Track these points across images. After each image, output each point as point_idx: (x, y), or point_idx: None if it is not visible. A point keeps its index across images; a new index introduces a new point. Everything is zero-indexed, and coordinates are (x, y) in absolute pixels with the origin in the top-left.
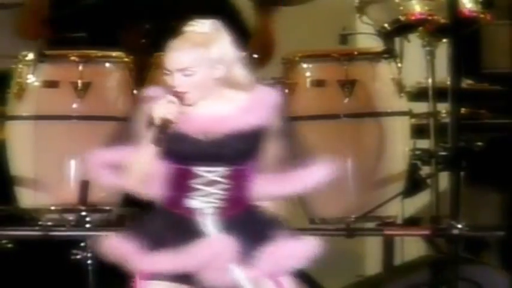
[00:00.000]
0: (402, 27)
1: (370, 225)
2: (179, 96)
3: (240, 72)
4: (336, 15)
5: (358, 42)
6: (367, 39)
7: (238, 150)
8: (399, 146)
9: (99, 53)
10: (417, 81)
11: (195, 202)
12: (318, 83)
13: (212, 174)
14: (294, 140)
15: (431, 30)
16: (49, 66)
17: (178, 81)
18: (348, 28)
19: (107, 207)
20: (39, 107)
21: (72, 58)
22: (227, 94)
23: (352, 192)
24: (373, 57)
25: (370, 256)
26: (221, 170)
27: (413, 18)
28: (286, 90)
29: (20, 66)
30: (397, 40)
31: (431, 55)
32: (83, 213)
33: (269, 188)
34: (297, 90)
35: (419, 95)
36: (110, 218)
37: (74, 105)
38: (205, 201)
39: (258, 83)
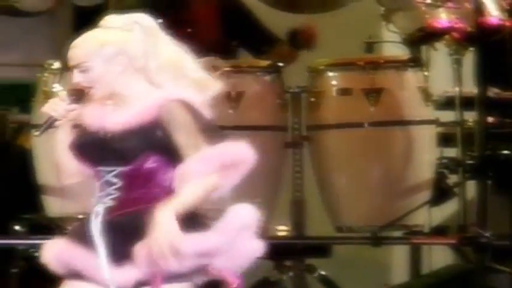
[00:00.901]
0: (428, 36)
1: (397, 233)
2: (77, 92)
3: (155, 66)
4: (362, 23)
5: (384, 51)
6: (393, 48)
7: (122, 150)
8: (426, 154)
9: None
10: (444, 90)
11: (96, 202)
12: (344, 92)
13: (109, 174)
14: (205, 139)
15: (458, 39)
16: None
17: (76, 77)
18: (374, 36)
19: None
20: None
21: None
22: (134, 90)
23: (379, 200)
24: (399, 65)
25: (397, 265)
26: (114, 169)
27: (439, 26)
28: (313, 99)
29: (46, 74)
30: (423, 48)
31: (458, 64)
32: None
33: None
34: (323, 98)
35: (446, 103)
36: None
37: None
38: (101, 201)
39: (196, 79)
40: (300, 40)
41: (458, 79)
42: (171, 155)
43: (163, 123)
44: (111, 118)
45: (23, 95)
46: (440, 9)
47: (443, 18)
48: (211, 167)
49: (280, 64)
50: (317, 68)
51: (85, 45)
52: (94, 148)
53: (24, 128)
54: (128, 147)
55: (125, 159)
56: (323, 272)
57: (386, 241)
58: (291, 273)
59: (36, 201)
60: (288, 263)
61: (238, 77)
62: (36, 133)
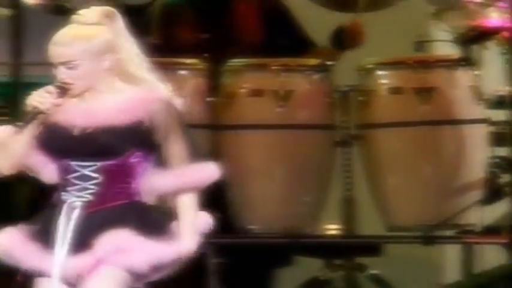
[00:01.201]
0: (480, 35)
1: (449, 233)
2: (62, 87)
3: (132, 62)
4: (413, 22)
5: (435, 50)
6: (444, 47)
7: (105, 146)
8: (477, 153)
9: (173, 61)
10: (496, 89)
11: (69, 195)
12: (395, 91)
13: (86, 169)
14: (186, 138)
15: (509, 38)
16: None
17: (62, 74)
18: (425, 35)
19: None
20: None
21: None
22: (116, 86)
23: (431, 200)
24: (450, 64)
25: (449, 264)
26: (92, 164)
27: (490, 25)
28: (362, 98)
29: None
30: (475, 47)
31: (510, 63)
32: None
33: (159, 184)
34: (374, 97)
35: (497, 102)
36: None
37: None
38: (78, 195)
39: (152, 79)
40: (345, 38)
41: (510, 78)
42: (151, 151)
43: (148, 121)
44: (94, 114)
45: None
46: (492, 9)
47: (494, 17)
48: (192, 185)
49: (329, 63)
50: (367, 67)
51: (73, 43)
52: (68, 142)
53: None
54: (113, 143)
55: (107, 154)
56: (374, 271)
57: (438, 240)
58: (341, 272)
59: None
60: (338, 262)
61: (287, 76)
62: (20, 124)
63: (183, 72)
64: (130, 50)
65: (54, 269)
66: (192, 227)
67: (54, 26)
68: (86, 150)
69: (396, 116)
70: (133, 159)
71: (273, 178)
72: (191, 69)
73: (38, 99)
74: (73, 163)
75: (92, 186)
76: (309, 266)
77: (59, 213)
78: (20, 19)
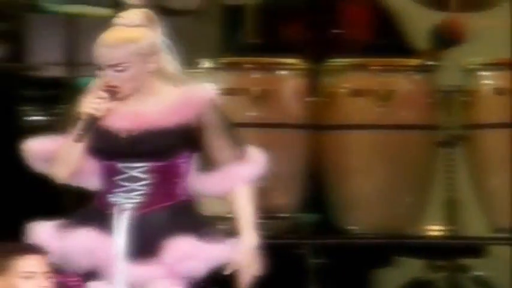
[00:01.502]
0: None
1: None
2: (111, 91)
3: (170, 63)
4: None
5: None
6: None
7: (157, 147)
8: None
9: (273, 60)
10: None
11: (117, 197)
12: (500, 91)
13: (133, 170)
14: (232, 136)
15: None
16: (225, 74)
17: (110, 76)
18: None
19: (285, 215)
20: None
21: (247, 66)
22: (158, 88)
23: None
24: None
25: None
26: (142, 166)
27: None
28: (466, 98)
29: (196, 74)
30: None
31: None
32: (260, 221)
33: (208, 185)
34: (478, 98)
35: None
36: (286, 225)
37: (250, 113)
38: (126, 197)
39: (191, 79)
40: (445, 37)
41: None
42: (197, 151)
43: (195, 121)
44: (142, 116)
45: None
46: None
47: None
48: (246, 179)
49: (431, 63)
50: (470, 68)
51: (122, 46)
52: (116, 145)
53: None
54: (162, 144)
55: (156, 155)
56: (477, 273)
57: None
58: (443, 274)
59: None
60: (440, 263)
61: (388, 76)
62: (80, 133)
63: (282, 72)
64: (169, 52)
65: (118, 275)
66: (251, 223)
67: None
68: (135, 152)
69: (500, 117)
70: (180, 160)
71: (373, 178)
72: (291, 69)
73: (92, 105)
74: (121, 165)
75: (141, 188)
76: (410, 267)
77: (110, 216)
78: None
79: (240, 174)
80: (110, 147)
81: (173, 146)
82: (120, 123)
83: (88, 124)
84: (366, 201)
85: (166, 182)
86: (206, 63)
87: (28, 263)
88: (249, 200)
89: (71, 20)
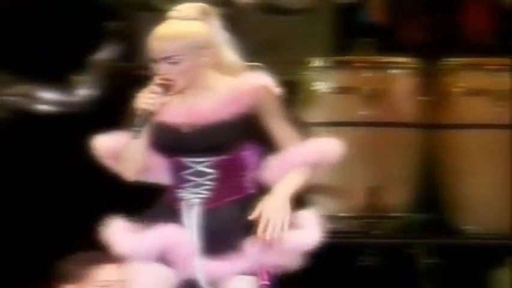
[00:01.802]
0: None
1: None
2: (165, 85)
3: (228, 56)
4: None
5: None
6: None
7: (217, 141)
8: None
9: (385, 59)
10: None
11: (185, 193)
12: None
13: (198, 165)
14: (292, 121)
15: None
16: (336, 72)
17: (163, 69)
18: None
19: (396, 214)
20: (328, 113)
21: (358, 64)
22: (214, 80)
23: None
24: None
25: None
26: (206, 160)
27: None
28: None
29: (307, 73)
30: None
31: None
32: (372, 220)
33: (276, 173)
34: None
35: None
36: (398, 224)
37: (362, 112)
38: (194, 191)
39: (246, 69)
40: None
41: None
42: (260, 141)
43: (254, 110)
44: (200, 110)
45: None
46: None
47: None
48: (306, 162)
49: None
50: None
51: (176, 39)
52: (178, 140)
53: None
54: (224, 138)
55: (220, 149)
56: None
57: None
58: None
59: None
60: None
61: (504, 75)
62: (136, 129)
63: (394, 71)
64: (225, 44)
65: (197, 272)
66: (291, 185)
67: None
68: (198, 147)
69: None
70: (244, 152)
71: (487, 178)
72: (403, 68)
73: (146, 100)
74: (186, 160)
75: (208, 182)
76: None
77: (179, 212)
78: (233, 18)
79: (300, 157)
80: (172, 143)
81: (234, 138)
82: (179, 119)
83: (143, 120)
84: (481, 201)
85: (232, 175)
86: (317, 62)
87: (105, 272)
88: (303, 177)
89: None
